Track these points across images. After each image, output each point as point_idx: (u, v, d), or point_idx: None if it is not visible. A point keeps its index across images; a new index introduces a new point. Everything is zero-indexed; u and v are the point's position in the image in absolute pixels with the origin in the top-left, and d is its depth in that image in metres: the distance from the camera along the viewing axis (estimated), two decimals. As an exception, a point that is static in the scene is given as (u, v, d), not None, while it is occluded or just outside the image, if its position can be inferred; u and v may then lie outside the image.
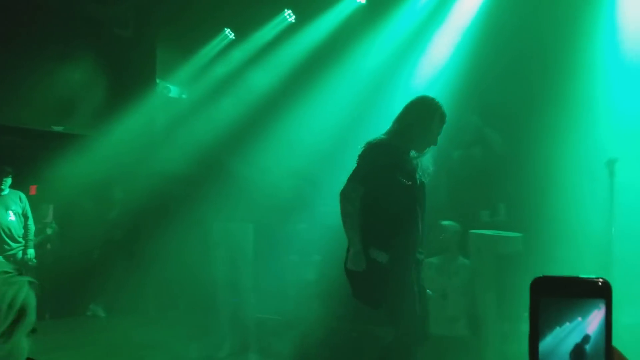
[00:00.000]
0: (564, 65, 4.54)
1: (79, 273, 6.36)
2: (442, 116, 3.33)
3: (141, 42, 7.09)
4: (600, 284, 0.58)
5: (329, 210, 5.29)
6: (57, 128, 6.97)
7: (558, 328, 0.58)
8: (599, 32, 4.77)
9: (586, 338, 0.57)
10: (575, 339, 0.57)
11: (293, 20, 6.35)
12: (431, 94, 5.21)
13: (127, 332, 6.00)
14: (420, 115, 3.30)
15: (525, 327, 0.60)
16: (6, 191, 5.89)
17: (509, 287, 4.00)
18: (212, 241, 5.26)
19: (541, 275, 0.59)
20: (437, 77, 5.41)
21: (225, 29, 6.80)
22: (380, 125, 5.17)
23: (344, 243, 4.60)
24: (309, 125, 5.36)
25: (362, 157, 3.30)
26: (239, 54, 6.42)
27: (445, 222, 4.86)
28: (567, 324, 0.58)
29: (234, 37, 6.76)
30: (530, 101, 4.72)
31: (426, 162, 3.36)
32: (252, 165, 4.95)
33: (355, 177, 3.28)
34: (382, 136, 3.33)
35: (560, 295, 0.59)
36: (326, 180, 5.39)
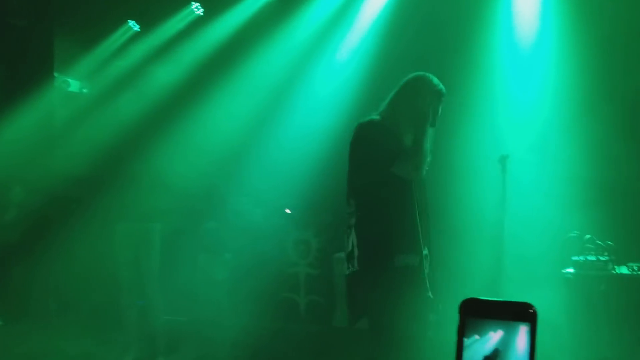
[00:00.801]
0: (462, 63, 4.72)
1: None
2: (435, 94, 2.97)
3: (37, 32, 6.65)
4: (526, 309, 0.61)
5: (239, 208, 5.25)
6: (-57, 124, 6.42)
7: (483, 344, 0.61)
8: (496, 31, 5.01)
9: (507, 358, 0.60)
10: (493, 356, 0.60)
11: (201, 14, 6.19)
12: (339, 91, 5.28)
13: (26, 339, 5.66)
14: (408, 92, 2.98)
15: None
16: None
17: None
18: (116, 243, 5.05)
19: (470, 297, 0.63)
20: (346, 75, 5.47)
21: (129, 20, 6.52)
22: (289, 122, 5.17)
23: (254, 240, 4.56)
24: (216, 123, 5.26)
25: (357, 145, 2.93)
26: (143, 47, 6.17)
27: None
28: (490, 341, 0.60)
29: (138, 30, 6.49)
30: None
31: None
32: (157, 164, 4.79)
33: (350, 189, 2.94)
34: (376, 116, 2.99)
35: (486, 316, 0.61)
36: (235, 178, 5.33)
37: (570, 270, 3.67)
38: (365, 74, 5.22)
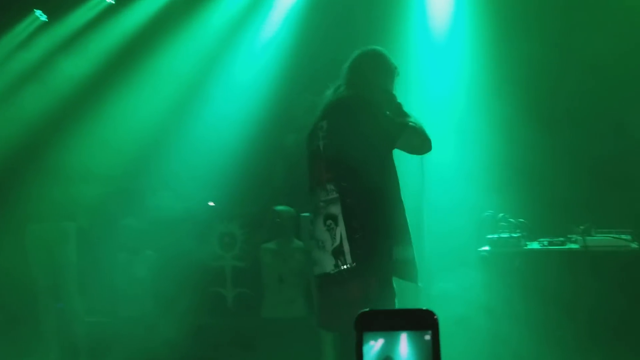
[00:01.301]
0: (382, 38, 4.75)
1: None
2: (394, 71, 2.72)
3: None
4: (427, 316, 0.57)
5: (158, 203, 5.07)
6: None
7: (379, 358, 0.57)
8: (409, 20, 5.08)
9: None
10: None
11: (112, 1, 5.90)
12: (258, 79, 5.19)
13: None
14: (372, 68, 2.69)
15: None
16: None
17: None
18: (29, 244, 4.76)
19: (367, 310, 0.58)
20: (266, 62, 5.39)
21: (36, 10, 6.12)
22: (207, 113, 5.03)
23: (177, 236, 4.41)
24: (129, 116, 5.04)
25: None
26: (50, 38, 5.81)
27: (279, 207, 4.90)
28: (385, 355, 0.57)
29: (46, 19, 6.10)
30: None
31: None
32: (67, 160, 4.54)
33: None
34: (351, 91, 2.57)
35: (384, 328, 0.57)
36: (153, 172, 5.14)
37: (486, 248, 3.79)
38: (283, 63, 5.16)
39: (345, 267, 2.44)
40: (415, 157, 3.76)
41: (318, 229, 2.50)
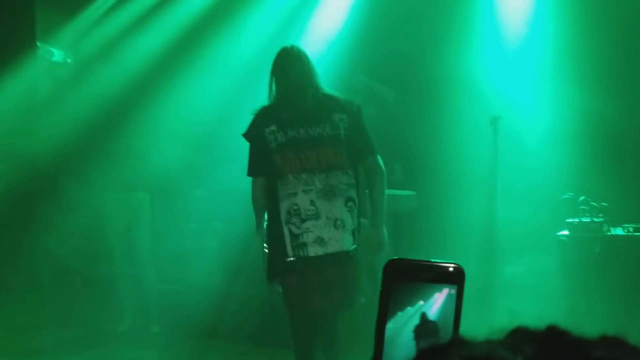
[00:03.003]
0: (452, 22, 4.49)
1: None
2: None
3: (18, 1, 6.32)
4: (452, 269, 0.57)
5: (226, 175, 5.05)
6: None
7: (409, 310, 0.56)
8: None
9: (438, 321, 0.56)
10: (421, 322, 0.56)
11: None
12: (318, 55, 5.05)
13: (17, 312, 5.54)
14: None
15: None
16: None
17: (404, 244, 3.98)
18: (106, 212, 4.89)
19: (395, 258, 0.57)
20: (325, 40, 5.22)
21: (112, -14, 6.19)
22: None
23: (244, 209, 4.36)
24: (198, 92, 5.03)
25: None
26: (126, 14, 5.86)
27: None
28: (417, 307, 0.56)
29: (121, -4, 6.16)
30: (419, 58, 4.64)
31: None
32: (142, 134, 4.60)
33: None
34: None
35: (412, 279, 0.56)
36: (225, 144, 5.11)
37: (565, 232, 3.52)
38: (343, 51, 4.96)
39: (355, 246, 2.69)
40: (488, 138, 3.56)
41: (338, 209, 2.63)
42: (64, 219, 5.66)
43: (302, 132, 2.68)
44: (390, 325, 0.55)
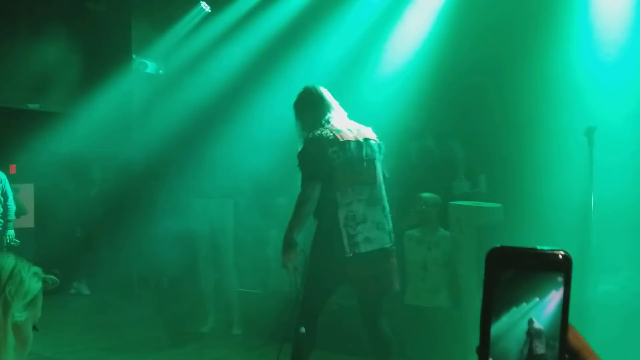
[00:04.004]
0: (544, 26, 4.31)
1: (61, 251, 6.12)
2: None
3: (115, 16, 6.70)
4: (560, 256, 0.53)
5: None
6: (33, 106, 6.63)
7: (514, 304, 0.53)
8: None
9: (543, 314, 0.52)
10: (531, 314, 0.52)
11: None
12: (401, 71, 5.01)
13: (108, 310, 5.82)
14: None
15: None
16: (-16, 171, 5.60)
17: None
18: (193, 217, 5.07)
19: (498, 246, 0.54)
20: (410, 54, 5.18)
21: (201, 1, 6.45)
22: (352, 105, 4.95)
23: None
24: (282, 101, 5.13)
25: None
26: (214, 29, 6.08)
27: (425, 194, 4.70)
28: (524, 298, 0.53)
29: (209, 11, 6.41)
30: (508, 69, 4.50)
31: None
32: (227, 142, 4.73)
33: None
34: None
35: (517, 268, 0.53)
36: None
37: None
38: (432, 47, 4.89)
39: (392, 244, 3.25)
40: (584, 149, 3.41)
41: (379, 214, 3.19)
42: (153, 223, 5.91)
43: (356, 152, 3.21)
44: (501, 319, 0.53)
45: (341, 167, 3.12)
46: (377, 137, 3.32)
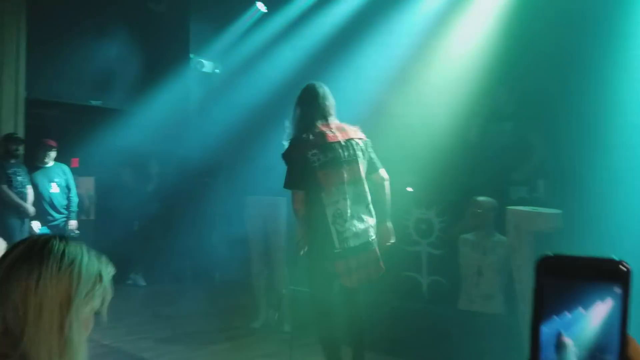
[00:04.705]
0: (616, 20, 4.11)
1: (120, 243, 6.33)
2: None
3: (174, 16, 6.86)
4: (618, 266, 0.49)
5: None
6: (95, 102, 6.87)
7: (566, 313, 0.50)
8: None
9: (598, 325, 0.49)
10: (585, 325, 0.49)
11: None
12: (461, 68, 4.88)
13: (163, 302, 5.96)
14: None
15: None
16: (50, 164, 5.85)
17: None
18: (247, 214, 5.13)
19: (551, 254, 0.50)
20: (468, 52, 5.05)
21: (257, 2, 6.51)
22: (409, 107, 4.85)
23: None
24: (336, 103, 5.12)
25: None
26: (269, 29, 6.13)
27: (480, 198, 4.58)
28: (577, 309, 0.49)
29: (265, 11, 6.46)
30: (573, 73, 4.33)
31: None
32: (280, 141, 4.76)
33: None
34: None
35: (571, 277, 0.50)
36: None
37: None
38: (493, 47, 4.75)
39: (374, 236, 3.39)
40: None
41: (363, 209, 3.33)
42: (207, 219, 6.03)
43: (337, 154, 3.31)
44: (552, 328, 0.50)
45: (322, 168, 3.25)
46: (364, 136, 3.43)
